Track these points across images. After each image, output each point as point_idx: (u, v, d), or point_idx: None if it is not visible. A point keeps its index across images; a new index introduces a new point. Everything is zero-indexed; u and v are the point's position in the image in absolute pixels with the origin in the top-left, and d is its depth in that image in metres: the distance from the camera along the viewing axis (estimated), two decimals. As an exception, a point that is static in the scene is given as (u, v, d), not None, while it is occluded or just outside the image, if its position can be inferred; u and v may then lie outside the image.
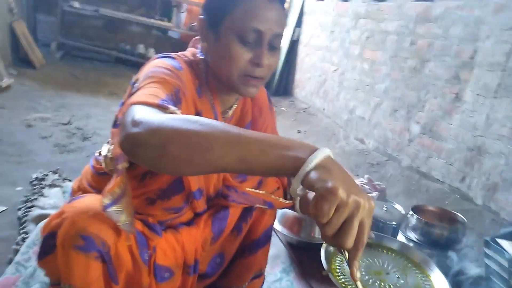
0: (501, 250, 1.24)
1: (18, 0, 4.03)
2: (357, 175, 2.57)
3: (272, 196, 1.13)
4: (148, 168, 0.78)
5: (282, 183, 1.24)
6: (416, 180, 2.44)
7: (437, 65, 2.39)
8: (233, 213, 1.07)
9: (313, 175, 0.56)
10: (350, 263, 0.59)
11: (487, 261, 1.31)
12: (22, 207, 1.58)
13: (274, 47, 0.88)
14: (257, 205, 1.10)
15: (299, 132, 3.50)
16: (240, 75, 0.87)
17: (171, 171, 0.65)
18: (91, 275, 0.75)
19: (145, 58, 4.86)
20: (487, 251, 1.30)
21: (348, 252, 0.59)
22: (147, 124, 0.60)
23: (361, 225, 0.56)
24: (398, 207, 1.82)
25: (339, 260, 0.98)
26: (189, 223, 1.01)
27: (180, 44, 5.46)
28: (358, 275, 0.59)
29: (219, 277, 1.20)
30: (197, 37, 1.02)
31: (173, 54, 0.93)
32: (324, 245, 0.98)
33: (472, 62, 2.14)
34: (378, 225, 1.40)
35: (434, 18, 2.46)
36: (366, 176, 1.93)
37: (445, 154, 2.28)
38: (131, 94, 0.79)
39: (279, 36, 0.88)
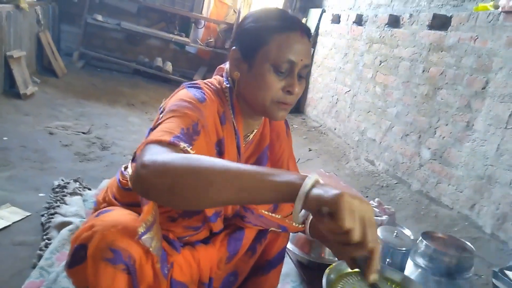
0: (509, 282, 1.26)
1: (45, 11, 4.18)
2: (367, 196, 2.59)
3: (287, 221, 1.16)
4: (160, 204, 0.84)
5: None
6: (425, 204, 2.46)
7: (449, 93, 2.43)
8: (248, 234, 1.11)
9: (314, 192, 0.61)
10: (368, 268, 0.61)
11: (495, 291, 1.33)
12: (45, 214, 1.64)
13: (302, 77, 0.96)
14: (272, 228, 1.14)
15: (310, 150, 3.53)
16: (273, 102, 0.94)
17: (181, 207, 0.74)
18: (117, 286, 0.80)
19: (161, 71, 4.98)
20: (495, 282, 1.32)
21: (363, 262, 0.61)
22: (154, 167, 0.66)
23: (372, 226, 0.60)
24: (407, 232, 1.84)
25: (340, 287, 1.00)
26: (206, 241, 1.04)
27: (197, 59, 5.58)
28: (372, 277, 0.61)
29: None
30: (221, 66, 1.09)
31: (200, 83, 0.99)
32: (326, 271, 1.00)
33: (484, 93, 2.17)
34: (388, 250, 1.43)
35: (447, 47, 2.51)
36: (376, 199, 1.96)
37: (455, 180, 2.30)
38: (155, 126, 0.85)
39: (307, 66, 0.96)
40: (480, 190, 2.12)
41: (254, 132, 1.08)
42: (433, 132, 2.53)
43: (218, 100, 0.98)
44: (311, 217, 1.26)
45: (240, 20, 1.05)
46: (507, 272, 1.30)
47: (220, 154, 0.98)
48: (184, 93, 0.92)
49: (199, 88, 0.96)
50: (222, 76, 1.05)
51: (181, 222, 0.98)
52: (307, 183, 0.62)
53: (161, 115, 0.87)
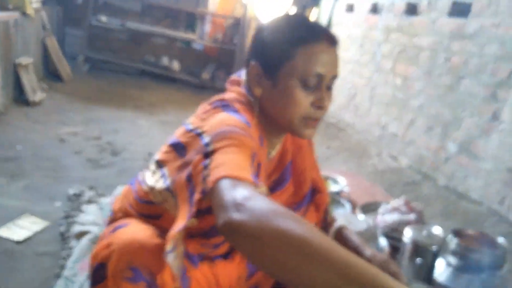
0: (545, 278, 1.28)
1: (50, 15, 4.29)
2: (392, 194, 2.61)
3: None
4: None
5: (319, 217, 1.30)
6: (453, 200, 2.47)
7: (473, 83, 2.44)
8: None
9: None
10: None
11: (530, 288, 1.35)
12: (64, 223, 1.72)
13: (330, 88, 0.94)
14: None
15: (329, 148, 3.56)
16: (302, 118, 0.92)
17: (260, 267, 0.63)
18: None
19: (169, 70, 5.06)
20: (530, 278, 1.33)
21: None
22: (252, 212, 0.59)
23: None
24: (436, 229, 1.86)
25: None
26: (225, 256, 1.04)
27: (204, 56, 5.64)
28: None
29: None
30: (234, 78, 1.04)
31: (233, 102, 0.93)
32: None
33: (510, 81, 2.18)
34: (418, 250, 1.46)
35: (468, 35, 2.51)
36: (402, 197, 1.98)
37: (483, 174, 2.31)
38: (209, 152, 0.77)
39: (336, 77, 0.94)
40: (510, 183, 2.13)
41: (276, 147, 1.08)
42: (458, 124, 2.54)
43: (254, 120, 0.94)
44: (335, 227, 1.26)
45: (255, 31, 1.00)
46: (543, 268, 1.32)
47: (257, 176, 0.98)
48: (230, 117, 0.86)
49: (235, 109, 0.91)
50: (239, 85, 1.00)
51: (200, 240, 0.97)
52: None
53: (208, 140, 0.81)
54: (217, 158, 0.75)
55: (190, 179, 0.82)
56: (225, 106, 0.93)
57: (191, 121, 0.95)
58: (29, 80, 3.30)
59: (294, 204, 1.15)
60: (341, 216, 1.79)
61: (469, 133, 2.44)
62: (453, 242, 1.58)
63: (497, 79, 2.27)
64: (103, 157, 2.63)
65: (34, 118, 3.06)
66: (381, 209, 1.97)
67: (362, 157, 3.34)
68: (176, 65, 5.19)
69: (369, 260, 1.11)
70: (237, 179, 0.68)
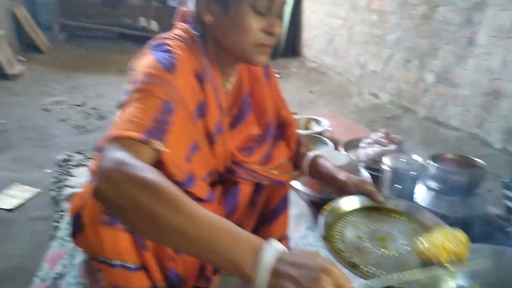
0: (520, 190, 1.28)
1: (15, -17, 4.02)
2: (373, 129, 2.60)
3: (285, 175, 1.16)
4: None
5: (292, 151, 1.27)
6: (433, 130, 2.46)
7: (448, 9, 2.34)
8: (245, 188, 1.09)
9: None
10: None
11: (506, 202, 1.36)
12: (54, 188, 1.68)
13: (280, 15, 0.90)
14: (265, 182, 1.13)
15: (312, 92, 3.50)
16: (254, 45, 0.89)
17: (134, 232, 0.74)
18: (121, 246, 0.82)
19: (147, 32, 4.84)
20: (505, 192, 1.34)
21: None
22: (116, 187, 0.63)
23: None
24: (416, 157, 1.86)
25: (340, 226, 0.97)
26: (202, 199, 1.01)
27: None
28: None
29: None
30: (182, 9, 0.99)
31: (168, 41, 0.90)
32: (323, 211, 0.97)
33: (484, 3, 2.09)
34: (397, 176, 1.45)
35: (443, -41, 2.38)
36: (382, 129, 1.96)
37: (462, 100, 2.28)
38: (123, 104, 0.80)
39: (285, 3, 0.91)
40: (487, 107, 2.11)
41: (232, 80, 1.04)
42: (435, 53, 2.47)
43: (192, 55, 0.91)
44: (310, 157, 1.25)
45: None
46: (518, 181, 1.33)
47: (203, 116, 0.94)
48: (150, 62, 0.84)
49: (167, 47, 0.88)
50: (186, 22, 0.96)
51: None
52: (262, 280, 0.57)
53: (129, 91, 0.81)
54: (124, 112, 0.76)
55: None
56: (156, 46, 0.89)
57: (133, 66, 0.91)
58: (3, 53, 3.14)
59: (258, 137, 1.11)
60: (324, 152, 1.78)
61: (446, 62, 2.38)
62: (432, 167, 1.57)
63: (472, 3, 2.17)
64: (89, 122, 2.56)
65: (16, 91, 2.95)
66: (362, 144, 1.95)
67: (344, 97, 3.29)
68: (154, 25, 4.97)
69: (344, 182, 1.08)
70: (122, 140, 0.70)
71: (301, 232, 1.50)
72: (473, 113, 2.20)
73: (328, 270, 0.57)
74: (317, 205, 1.65)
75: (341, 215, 1.00)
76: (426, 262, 0.80)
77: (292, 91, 3.48)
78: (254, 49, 0.90)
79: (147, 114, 0.76)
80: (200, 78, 0.92)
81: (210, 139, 0.99)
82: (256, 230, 1.22)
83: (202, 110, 0.94)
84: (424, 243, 0.80)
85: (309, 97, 3.37)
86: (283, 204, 1.21)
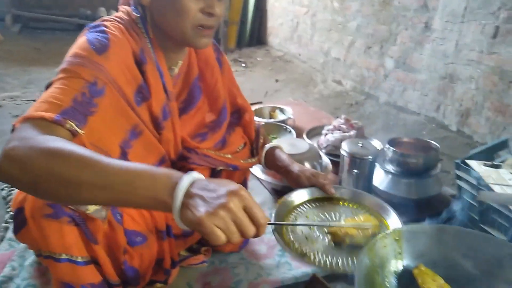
0: (470, 170, 1.32)
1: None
2: (337, 116, 2.63)
3: (240, 161, 1.15)
4: None
5: (249, 138, 1.26)
6: (394, 115, 2.51)
7: (406, -5, 2.38)
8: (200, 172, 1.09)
9: (184, 219, 0.59)
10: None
11: (459, 182, 1.40)
12: (5, 187, 1.61)
13: None
14: (220, 168, 1.12)
15: (277, 81, 3.49)
16: (193, 27, 0.87)
17: (49, 201, 0.73)
18: (68, 239, 0.80)
19: (109, 22, 4.67)
20: (458, 173, 1.38)
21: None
22: (19, 161, 0.60)
23: (248, 213, 0.60)
24: (375, 142, 1.89)
25: (292, 218, 1.00)
26: None
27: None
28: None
29: None
30: None
31: (106, 23, 0.88)
32: (277, 204, 1.00)
33: (440, -11, 2.13)
34: (355, 161, 1.47)
35: None
36: (342, 116, 1.98)
37: (419, 85, 2.33)
38: (48, 84, 0.78)
39: None
40: (443, 90, 2.16)
41: (179, 64, 1.01)
42: (394, 39, 2.51)
43: (131, 37, 0.89)
44: (266, 148, 1.25)
45: None
46: (468, 161, 1.37)
47: (145, 100, 0.92)
48: (81, 43, 0.82)
49: (103, 28, 0.85)
50: (129, 5, 0.94)
51: None
52: (175, 205, 0.59)
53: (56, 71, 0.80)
54: (45, 92, 0.74)
55: None
56: (93, 27, 0.87)
57: None
58: (-51, 47, 2.95)
59: (212, 123, 1.10)
60: (286, 140, 1.78)
61: (404, 47, 2.42)
62: (389, 151, 1.61)
63: (426, -11, 2.22)
64: (45, 117, 2.45)
65: (-36, 87, 2.79)
66: (324, 130, 1.97)
67: (308, 85, 3.31)
68: (115, 15, 4.80)
69: (297, 175, 1.12)
70: (35, 121, 0.68)
71: (262, 220, 1.50)
72: (430, 97, 2.26)
73: (236, 192, 0.59)
74: (279, 193, 1.65)
75: (294, 207, 1.04)
76: (339, 242, 0.91)
77: (258, 80, 3.47)
78: (193, 31, 0.87)
79: (66, 95, 0.74)
80: (139, 61, 0.89)
81: (156, 124, 0.96)
82: None
83: (142, 94, 0.91)
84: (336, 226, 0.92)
85: (275, 86, 3.37)
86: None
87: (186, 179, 0.60)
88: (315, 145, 1.90)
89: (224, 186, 0.60)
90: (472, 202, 1.33)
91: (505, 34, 1.79)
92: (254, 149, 1.27)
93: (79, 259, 0.85)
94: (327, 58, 3.33)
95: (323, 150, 1.85)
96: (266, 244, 1.36)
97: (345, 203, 1.08)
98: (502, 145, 1.44)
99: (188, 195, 0.59)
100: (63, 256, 0.82)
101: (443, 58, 2.14)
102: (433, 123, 2.26)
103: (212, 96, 1.10)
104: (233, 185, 0.61)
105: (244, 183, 1.22)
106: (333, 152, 1.81)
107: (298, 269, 1.23)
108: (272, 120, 2.27)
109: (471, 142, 2.00)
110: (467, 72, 2.00)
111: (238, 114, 1.23)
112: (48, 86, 0.77)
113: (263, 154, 1.22)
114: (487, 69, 1.90)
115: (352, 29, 2.94)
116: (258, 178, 1.69)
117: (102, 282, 0.93)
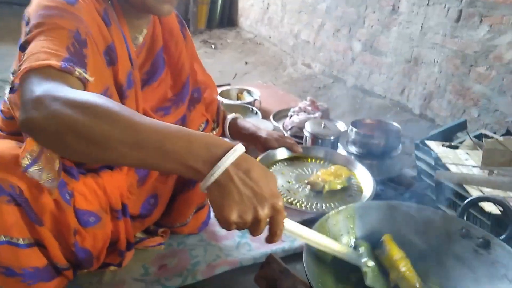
0: (428, 151, 1.34)
1: None
2: (305, 100, 2.62)
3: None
4: None
5: (211, 115, 1.24)
6: (360, 98, 2.53)
7: (374, -23, 2.37)
8: None
9: (210, 195, 0.56)
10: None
11: (418, 163, 1.42)
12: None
13: None
14: None
15: (247, 63, 3.45)
16: None
17: (70, 158, 0.70)
18: (7, 220, 0.75)
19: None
20: (417, 153, 1.40)
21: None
22: (46, 108, 0.55)
23: (271, 221, 0.58)
24: (340, 124, 1.90)
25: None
26: (111, 167, 0.98)
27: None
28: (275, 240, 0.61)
29: (162, 216, 1.22)
30: None
31: None
32: None
33: (407, -29, 2.14)
34: (317, 141, 1.47)
35: None
36: (308, 97, 1.97)
37: (385, 69, 2.35)
38: (24, 43, 0.70)
39: None
40: (408, 74, 2.19)
41: (144, 33, 0.97)
42: (362, 22, 2.51)
43: (96, 1, 0.83)
44: (229, 119, 1.26)
45: None
46: (427, 142, 1.39)
47: (112, 63, 0.87)
48: None
49: None
50: None
51: None
52: (208, 179, 0.55)
53: (27, 30, 0.72)
54: (30, 48, 0.66)
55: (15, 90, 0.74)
56: None
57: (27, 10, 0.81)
58: None
59: (175, 97, 1.06)
60: (251, 122, 1.75)
61: (372, 30, 2.43)
62: (352, 132, 1.61)
63: (394, -29, 2.22)
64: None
65: None
66: (290, 112, 1.96)
67: (278, 68, 3.28)
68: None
69: (266, 138, 1.22)
70: (42, 70, 0.61)
71: (224, 202, 1.48)
72: (396, 81, 2.29)
73: (274, 205, 0.57)
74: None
75: (268, 166, 1.19)
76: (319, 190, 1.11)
77: (227, 62, 3.41)
78: None
79: (59, 45, 0.67)
80: (104, 19, 0.83)
81: (120, 93, 0.91)
82: (173, 199, 1.19)
83: (110, 56, 0.86)
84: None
85: (244, 68, 3.33)
86: None
87: (231, 157, 0.55)
88: (281, 127, 1.89)
89: (267, 185, 0.57)
90: (430, 182, 1.36)
91: (467, 17, 1.81)
92: (215, 124, 1.26)
93: (20, 242, 0.81)
94: (297, 40, 3.30)
95: (288, 132, 1.84)
96: (226, 225, 1.35)
97: (312, 160, 1.27)
98: (461, 126, 1.47)
99: (227, 175, 0.55)
100: (2, 238, 0.78)
101: (409, 41, 2.16)
102: (397, 106, 2.29)
103: (176, 69, 1.07)
104: (275, 190, 0.58)
105: None
106: (298, 134, 1.80)
107: (258, 250, 1.22)
108: (239, 102, 2.24)
109: (433, 125, 2.04)
110: (431, 56, 2.02)
111: (199, 91, 1.19)
112: (23, 46, 0.69)
113: (227, 125, 1.24)
114: (450, 53, 1.93)
115: (321, 11, 2.92)
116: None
117: (47, 265, 0.88)
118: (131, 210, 1.05)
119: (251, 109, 2.10)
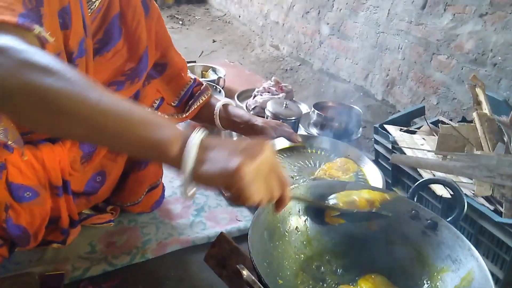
0: (386, 135, 1.35)
1: None
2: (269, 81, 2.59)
3: (163, 115, 1.07)
4: None
5: (174, 92, 1.17)
6: (325, 82, 2.52)
7: (345, -40, 2.34)
8: None
9: (202, 170, 0.49)
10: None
11: (376, 146, 1.43)
12: None
13: None
14: None
15: (214, 41, 3.36)
16: None
17: (17, 121, 0.64)
18: None
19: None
20: (376, 137, 1.41)
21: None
22: (6, 69, 0.48)
23: (269, 176, 0.53)
24: (302, 106, 1.88)
25: None
26: (53, 140, 0.91)
27: None
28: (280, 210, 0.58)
29: (112, 193, 1.16)
30: None
31: None
32: None
33: (377, -45, 2.12)
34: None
35: None
36: (273, 78, 1.94)
37: (351, 53, 2.35)
38: None
39: None
40: (373, 59, 2.19)
41: None
42: (331, 5, 2.48)
43: None
44: (218, 106, 1.17)
45: None
46: (386, 126, 1.40)
47: (65, 27, 0.79)
48: None
49: None
50: None
51: None
52: (188, 159, 0.49)
53: None
54: None
55: None
56: None
57: None
58: None
59: (129, 70, 0.99)
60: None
61: (341, 14, 2.41)
62: (314, 114, 1.60)
63: (364, -45, 2.19)
64: None
65: None
66: (254, 92, 1.92)
67: (246, 48, 3.22)
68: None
69: (262, 127, 1.10)
70: (23, 28, 0.55)
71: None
72: (360, 66, 2.29)
73: (268, 145, 0.52)
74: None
75: None
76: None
77: (194, 39, 3.30)
78: None
79: (16, 1, 0.58)
80: None
81: (69, 60, 0.84)
82: (124, 178, 1.13)
83: (64, 19, 0.78)
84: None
85: (212, 46, 3.24)
86: None
87: (198, 133, 0.51)
88: (244, 106, 1.85)
89: (251, 141, 0.53)
90: (386, 166, 1.37)
91: (432, 5, 1.82)
92: (188, 106, 1.18)
93: None
94: (266, 21, 3.24)
95: (251, 112, 1.80)
96: (181, 204, 1.30)
97: (312, 151, 1.16)
98: (419, 111, 1.49)
99: (204, 146, 0.50)
100: None
101: (375, 26, 2.15)
102: (361, 91, 2.30)
103: (132, 41, 0.99)
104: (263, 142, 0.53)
105: None
106: (261, 114, 1.77)
107: (212, 229, 1.19)
108: (203, 79, 2.17)
109: (394, 111, 2.06)
110: (396, 42, 2.03)
111: (163, 67, 1.12)
112: None
113: (217, 114, 1.15)
114: (414, 40, 1.94)
115: (291, -9, 2.87)
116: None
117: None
118: (74, 187, 0.99)
119: (214, 87, 2.04)
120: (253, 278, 0.51)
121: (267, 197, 0.53)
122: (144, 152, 0.51)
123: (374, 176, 1.10)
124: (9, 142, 0.70)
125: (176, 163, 0.50)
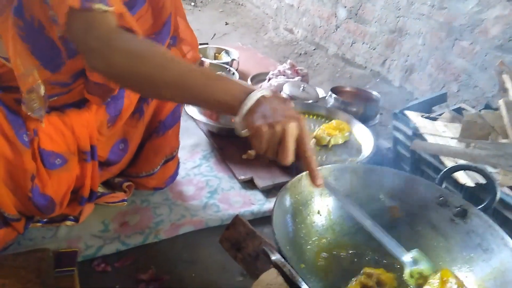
0: (406, 120, 1.31)
1: None
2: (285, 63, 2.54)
3: None
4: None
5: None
6: (341, 67, 2.47)
7: None
8: (130, 93, 0.99)
9: (245, 121, 0.62)
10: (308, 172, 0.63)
11: (395, 133, 1.39)
12: None
13: None
14: None
15: (227, 24, 3.30)
16: None
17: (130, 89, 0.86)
18: None
19: None
20: (395, 123, 1.36)
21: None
22: (104, 59, 0.63)
23: (299, 141, 0.61)
24: (319, 90, 1.84)
25: None
26: (79, 105, 0.91)
27: None
28: (319, 181, 0.62)
29: (129, 165, 1.16)
30: None
31: None
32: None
33: None
34: (295, 104, 1.41)
35: None
36: (288, 61, 1.89)
37: (368, 38, 2.28)
38: None
39: None
40: (391, 45, 2.13)
41: None
42: (349, -13, 2.41)
43: None
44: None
45: None
46: (406, 112, 1.35)
47: None
48: None
49: None
50: None
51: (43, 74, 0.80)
52: (242, 110, 0.61)
53: None
54: None
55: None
56: None
57: None
58: None
59: (154, 35, 0.98)
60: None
61: (358, -3, 2.34)
62: (331, 98, 1.56)
63: None
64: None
65: None
66: (268, 75, 1.88)
67: (259, 31, 3.16)
68: None
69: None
70: (87, 10, 0.63)
71: (194, 161, 1.41)
72: (378, 52, 2.23)
73: (299, 118, 0.61)
74: (214, 135, 1.56)
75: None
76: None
77: (206, 22, 3.24)
78: None
79: None
80: None
81: None
82: (143, 145, 1.12)
83: None
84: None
85: (224, 29, 3.18)
86: (173, 117, 1.11)
87: (259, 91, 0.63)
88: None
89: (290, 108, 0.63)
90: (405, 153, 1.33)
91: (457, -12, 1.75)
92: None
93: None
94: (280, 4, 3.17)
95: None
96: (194, 186, 1.29)
97: (312, 116, 1.35)
98: (441, 98, 1.44)
99: (259, 102, 0.61)
100: None
101: (395, 10, 2.09)
102: (377, 77, 2.24)
103: (157, 6, 0.97)
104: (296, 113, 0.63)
105: (176, 110, 1.12)
106: (275, 97, 1.74)
107: (225, 211, 1.17)
108: (216, 61, 2.13)
109: (411, 98, 2.01)
110: (417, 27, 1.97)
111: (175, 41, 1.10)
112: None
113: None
114: (435, 25, 1.87)
115: (308, -27, 2.79)
116: (193, 119, 1.59)
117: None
118: (100, 153, 0.99)
119: (228, 70, 2.01)
120: (282, 260, 0.49)
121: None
122: (219, 107, 0.65)
123: (365, 138, 1.30)
124: (29, 113, 0.73)
125: (236, 112, 0.62)
